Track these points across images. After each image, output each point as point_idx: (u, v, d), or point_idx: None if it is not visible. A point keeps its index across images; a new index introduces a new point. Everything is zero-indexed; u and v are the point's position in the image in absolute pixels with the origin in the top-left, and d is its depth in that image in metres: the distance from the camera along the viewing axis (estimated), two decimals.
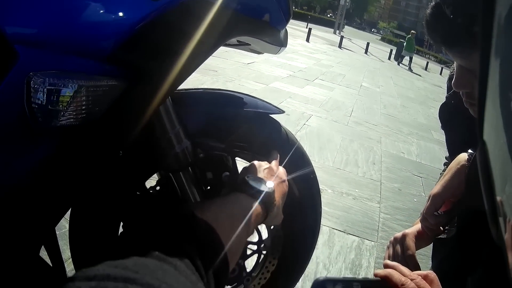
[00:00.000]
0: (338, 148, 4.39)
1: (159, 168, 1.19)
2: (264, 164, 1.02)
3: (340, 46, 20.11)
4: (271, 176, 0.97)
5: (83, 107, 0.79)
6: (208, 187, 1.22)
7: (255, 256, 1.39)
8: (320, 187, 2.94)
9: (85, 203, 1.12)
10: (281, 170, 1.04)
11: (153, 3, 0.79)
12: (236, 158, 1.28)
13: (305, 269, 1.54)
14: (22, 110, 0.72)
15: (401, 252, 1.11)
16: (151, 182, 1.21)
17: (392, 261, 1.10)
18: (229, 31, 0.98)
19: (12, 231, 0.83)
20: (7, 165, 0.77)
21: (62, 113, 0.75)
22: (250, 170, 0.99)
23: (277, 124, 1.32)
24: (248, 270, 1.39)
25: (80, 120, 0.80)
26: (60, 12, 0.73)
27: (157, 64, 0.86)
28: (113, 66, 0.82)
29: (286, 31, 1.23)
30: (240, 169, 1.08)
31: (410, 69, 20.18)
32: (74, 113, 0.78)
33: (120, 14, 0.77)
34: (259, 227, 1.34)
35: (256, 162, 1.03)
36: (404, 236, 1.13)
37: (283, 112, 1.31)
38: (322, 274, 2.15)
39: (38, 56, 0.72)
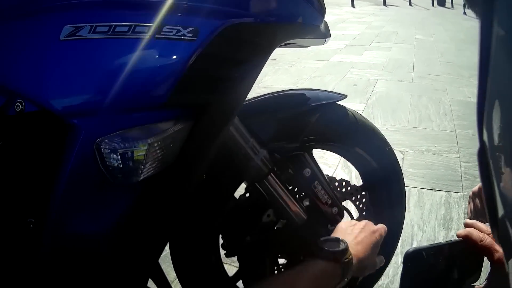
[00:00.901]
0: (409, 106, 4.23)
1: (243, 179, 1.19)
2: (354, 223, 1.05)
3: (384, 3, 19.33)
4: (361, 230, 1.00)
5: (160, 158, 0.79)
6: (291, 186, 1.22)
7: None
8: (401, 149, 2.87)
9: (182, 226, 1.14)
10: (374, 226, 1.07)
11: (195, 41, 0.78)
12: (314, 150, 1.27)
13: (399, 237, 1.53)
14: (99, 172, 0.73)
15: (481, 205, 1.07)
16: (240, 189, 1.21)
17: (474, 215, 1.08)
18: (272, 42, 0.96)
19: (119, 274, 0.85)
20: (93, 217, 0.79)
21: (140, 171, 0.76)
22: (337, 232, 1.01)
23: (342, 108, 1.29)
24: None
25: (158, 168, 0.81)
26: (104, 74, 0.72)
27: (214, 93, 0.85)
28: (174, 110, 0.82)
29: (325, 22, 1.19)
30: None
31: (464, 13, 18.72)
32: (152, 166, 0.78)
33: (167, 59, 0.77)
34: (351, 205, 1.36)
35: (343, 223, 1.06)
36: (481, 189, 1.08)
37: (345, 96, 1.28)
38: (418, 235, 2.11)
39: (98, 122, 0.72)
